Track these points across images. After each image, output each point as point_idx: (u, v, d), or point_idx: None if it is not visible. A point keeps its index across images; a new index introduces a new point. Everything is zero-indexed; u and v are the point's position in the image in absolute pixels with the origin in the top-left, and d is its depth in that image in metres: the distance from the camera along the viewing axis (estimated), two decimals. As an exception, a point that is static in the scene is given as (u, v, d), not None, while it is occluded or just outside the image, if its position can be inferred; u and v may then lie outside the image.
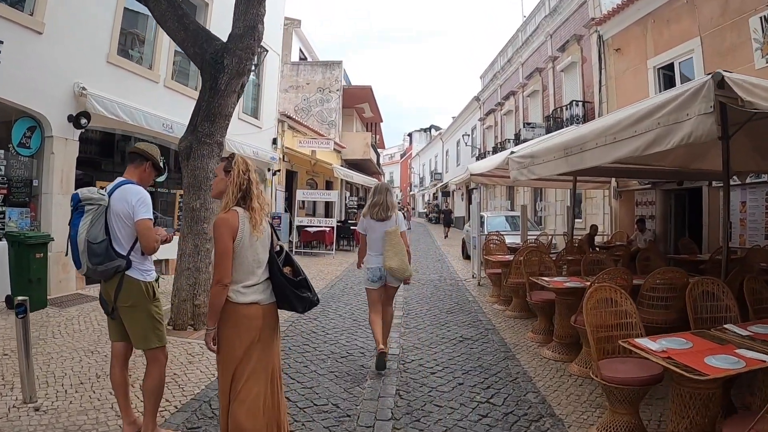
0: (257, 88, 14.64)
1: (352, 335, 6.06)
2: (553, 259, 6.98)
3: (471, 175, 10.58)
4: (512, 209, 20.00)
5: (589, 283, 5.01)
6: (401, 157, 68.42)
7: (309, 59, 24.99)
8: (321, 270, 12.03)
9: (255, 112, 14.46)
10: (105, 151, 9.61)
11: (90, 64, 8.38)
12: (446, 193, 38.45)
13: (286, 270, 2.85)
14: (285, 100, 22.64)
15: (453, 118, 35.54)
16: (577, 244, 9.96)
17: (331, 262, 13.55)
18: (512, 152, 6.82)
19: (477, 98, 27.50)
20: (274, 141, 15.06)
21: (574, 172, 6.24)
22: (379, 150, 46.00)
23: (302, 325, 6.55)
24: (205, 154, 6.12)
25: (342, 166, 21.78)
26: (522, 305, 6.99)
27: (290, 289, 2.79)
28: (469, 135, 27.28)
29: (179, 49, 11.49)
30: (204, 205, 6.12)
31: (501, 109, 22.60)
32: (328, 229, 14.82)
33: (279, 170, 14.97)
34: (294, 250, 15.13)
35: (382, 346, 4.65)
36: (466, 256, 14.40)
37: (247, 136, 13.46)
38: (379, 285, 4.87)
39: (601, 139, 4.22)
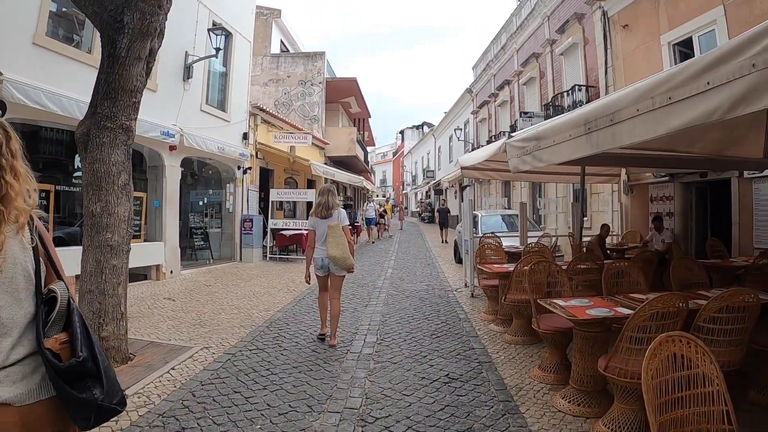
0: (224, 77, 13.19)
1: (303, 377, 4.62)
2: (563, 267, 5.51)
3: (462, 168, 9.14)
4: (509, 207, 18.59)
5: (623, 312, 3.64)
6: (394, 156, 67.00)
7: (292, 51, 23.51)
8: (293, 279, 10.59)
9: (222, 104, 13.01)
10: (33, 148, 8.19)
11: (10, 46, 6.96)
12: (439, 191, 37.05)
13: (52, 341, 1.42)
14: (265, 95, 21.21)
15: (445, 113, 34.13)
16: (586, 248, 8.59)
17: (307, 270, 12.11)
18: (510, 136, 5.41)
19: (469, 90, 26.10)
20: (245, 136, 13.60)
21: (593, 158, 4.84)
22: (369, 148, 44.48)
23: (241, 357, 5.13)
24: (106, 143, 4.66)
25: (326, 163, 20.35)
26: (525, 328, 5.57)
27: (57, 382, 1.37)
28: (461, 129, 25.83)
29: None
30: (106, 209, 4.68)
31: (495, 100, 21.20)
32: (305, 231, 13.35)
33: (250, 168, 13.51)
34: (269, 255, 13.68)
35: (326, 329, 5.78)
36: (459, 260, 13.01)
37: (212, 130, 12.03)
38: (324, 273, 5.71)
39: (646, 103, 2.81)
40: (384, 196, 51.03)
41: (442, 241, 20.11)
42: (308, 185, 19.59)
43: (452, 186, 31.05)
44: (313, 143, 19.42)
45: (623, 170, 9.96)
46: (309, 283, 6.17)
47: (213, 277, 10.68)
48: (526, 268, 5.22)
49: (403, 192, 59.11)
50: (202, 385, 4.45)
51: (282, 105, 21.21)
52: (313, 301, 8.15)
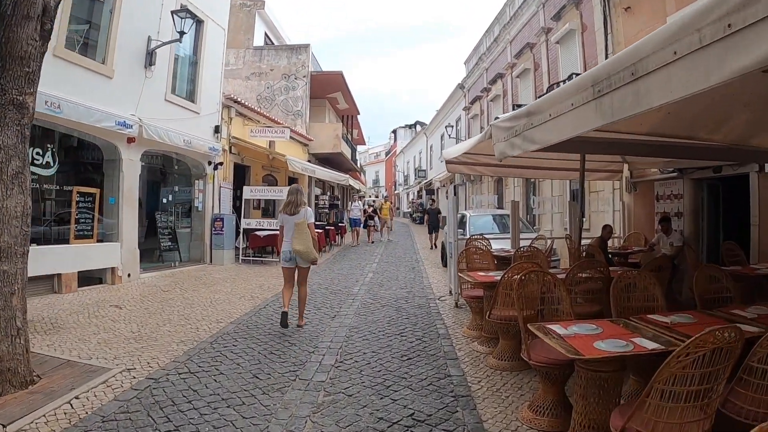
0: (194, 66, 12.18)
1: (230, 415, 3.64)
2: (560, 277, 4.51)
3: (447, 163, 8.17)
4: (500, 207, 17.68)
5: (645, 345, 2.69)
6: (386, 156, 66.02)
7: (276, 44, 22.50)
8: (261, 285, 9.60)
9: (190, 95, 11.99)
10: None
11: None
12: (430, 191, 36.10)
13: None
14: (247, 89, 20.21)
15: (437, 111, 33.17)
16: (586, 252, 7.65)
17: (280, 274, 11.10)
18: (496, 118, 4.45)
19: (461, 86, 25.14)
20: (217, 129, 12.59)
21: (596, 144, 3.90)
22: (362, 147, 43.55)
23: (165, 383, 4.15)
24: (-12, 121, 3.67)
25: (309, 161, 19.35)
26: (513, 350, 4.58)
27: None
28: (452, 126, 24.83)
29: (78, 14, 9.21)
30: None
31: (487, 95, 20.26)
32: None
33: (221, 163, 12.50)
34: (242, 258, 12.66)
35: (286, 309, 6.13)
36: (445, 264, 12.08)
37: (179, 122, 11.03)
38: (291, 265, 6.22)
39: (689, 41, 1.86)
40: (376, 196, 49.94)
41: (431, 247, 17.34)
42: (289, 183, 18.59)
43: (444, 186, 30.11)
44: (295, 139, 18.49)
45: (626, 166, 9.04)
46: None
47: (174, 282, 9.67)
48: (515, 277, 4.25)
49: (395, 192, 58.14)
50: (103, 421, 3.50)
51: (264, 99, 20.20)
52: (274, 311, 7.20)
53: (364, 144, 42.86)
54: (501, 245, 8.79)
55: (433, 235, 18.05)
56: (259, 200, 15.21)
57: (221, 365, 4.78)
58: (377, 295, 8.69)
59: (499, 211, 12.89)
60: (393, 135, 62.38)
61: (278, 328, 6.17)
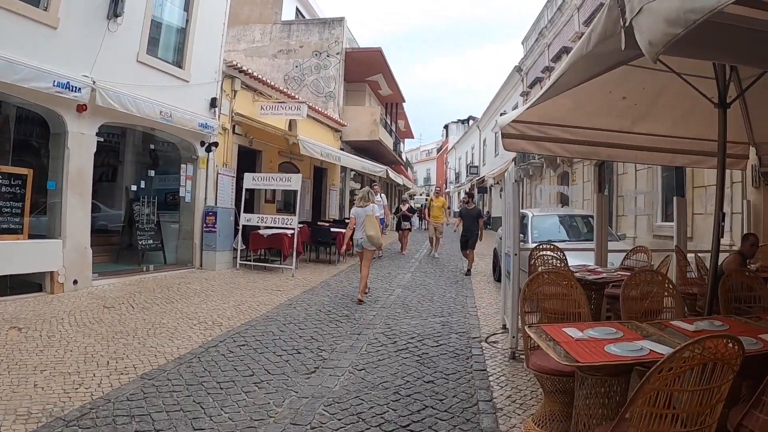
0: (184, 24, 9.82)
1: None
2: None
3: (503, 137, 5.33)
4: (564, 204, 14.20)
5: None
6: (438, 153, 62.92)
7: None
8: (243, 302, 7.07)
9: (177, 59, 9.67)
10: None
11: None
12: (483, 189, 32.91)
13: None
14: (273, 68, 17.94)
15: (491, 101, 29.94)
16: (721, 273, 4.63)
17: (281, 285, 8.56)
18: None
19: (518, 68, 21.96)
20: (214, 102, 10.22)
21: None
22: (410, 143, 40.79)
23: None
24: None
25: (341, 149, 16.80)
26: None
27: None
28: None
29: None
30: None
31: (549, 76, 17.07)
32: (290, 232, 9.81)
33: (216, 143, 10.11)
34: (239, 262, 10.21)
35: (360, 297, 7.42)
36: (499, 277, 9.20)
37: (157, 90, 8.77)
38: (359, 249, 7.59)
39: None
40: (420, 194, 46.97)
41: (466, 272, 10.72)
42: (315, 174, 16.08)
43: (498, 183, 26.96)
44: (324, 123, 15.99)
45: (752, 149, 5.97)
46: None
47: (133, 293, 7.32)
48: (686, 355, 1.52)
49: (446, 191, 55.01)
50: None
51: (293, 80, 17.84)
52: (228, 351, 4.56)
53: (413, 137, 39.95)
54: (578, 260, 5.87)
55: (469, 252, 11.08)
56: (274, 192, 12.78)
57: (230, 366, 2.77)
58: (397, 326, 5.95)
59: (572, 211, 9.75)
60: (445, 131, 59.28)
61: (184, 396, 3.56)
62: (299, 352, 4.83)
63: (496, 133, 28.53)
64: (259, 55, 18.05)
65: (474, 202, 14.78)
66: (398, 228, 15.32)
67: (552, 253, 5.37)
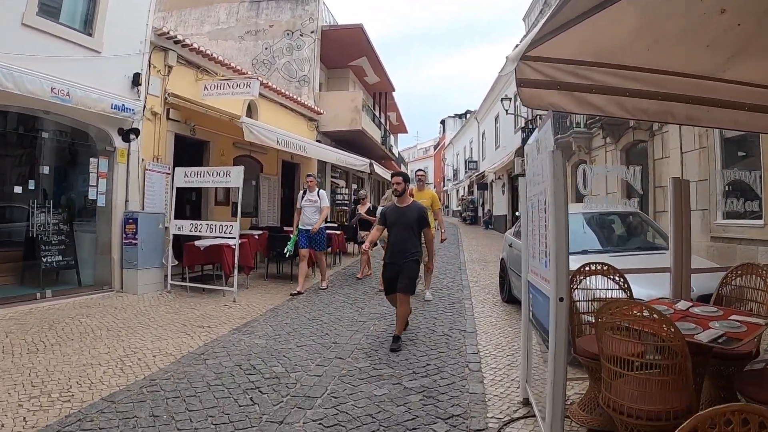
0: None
1: None
2: None
3: (518, 81, 3.06)
4: (596, 194, 10.97)
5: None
6: (435, 150, 60.56)
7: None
8: (161, 341, 4.83)
9: (85, 23, 7.44)
10: None
11: None
12: (483, 186, 30.61)
13: None
14: (240, 51, 15.69)
15: (490, 88, 27.59)
16: None
17: (212, 316, 6.30)
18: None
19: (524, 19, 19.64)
20: (136, 79, 7.96)
21: None
22: (405, 140, 38.45)
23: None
24: None
25: (318, 140, 14.50)
26: None
27: None
28: (510, 99, 19.26)
29: None
30: None
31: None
32: (232, 243, 7.54)
33: (137, 130, 7.85)
34: (170, 282, 7.92)
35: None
36: (510, 297, 6.91)
37: (52, 62, 6.56)
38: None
39: None
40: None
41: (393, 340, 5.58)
42: (285, 170, 13.73)
43: (499, 178, 24.66)
44: (296, 110, 13.69)
45: None
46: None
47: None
48: None
49: (444, 189, 52.69)
50: None
51: (262, 64, 15.56)
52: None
53: (406, 132, 37.46)
54: (644, 288, 3.60)
55: (401, 298, 5.32)
56: (227, 192, 10.48)
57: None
58: (350, 402, 3.69)
59: (620, 209, 6.92)
60: (441, 126, 56.89)
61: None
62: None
63: (497, 126, 26.22)
64: (224, 37, 15.81)
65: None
66: (354, 238, 11.14)
67: (605, 280, 3.13)
